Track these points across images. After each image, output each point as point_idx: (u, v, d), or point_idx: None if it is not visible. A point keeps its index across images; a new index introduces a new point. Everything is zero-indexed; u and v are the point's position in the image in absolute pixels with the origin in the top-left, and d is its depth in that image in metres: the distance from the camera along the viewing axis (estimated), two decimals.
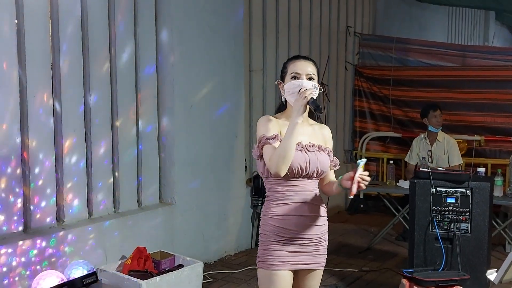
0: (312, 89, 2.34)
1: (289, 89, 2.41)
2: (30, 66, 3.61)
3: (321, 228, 2.45)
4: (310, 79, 2.41)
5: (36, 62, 3.65)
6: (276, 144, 2.34)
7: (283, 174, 2.30)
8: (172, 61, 4.51)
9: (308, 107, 2.34)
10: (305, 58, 2.49)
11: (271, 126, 2.39)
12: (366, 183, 2.27)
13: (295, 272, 2.44)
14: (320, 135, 2.51)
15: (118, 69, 4.20)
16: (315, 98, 2.35)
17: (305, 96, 2.28)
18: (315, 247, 2.44)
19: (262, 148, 2.36)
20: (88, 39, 3.97)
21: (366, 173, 2.29)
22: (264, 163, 2.37)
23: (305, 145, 2.41)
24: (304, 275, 2.46)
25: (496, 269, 1.75)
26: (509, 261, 1.65)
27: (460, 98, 6.50)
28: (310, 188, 2.43)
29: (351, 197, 2.29)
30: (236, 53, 5.07)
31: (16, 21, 3.55)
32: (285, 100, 2.46)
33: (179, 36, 4.52)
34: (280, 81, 2.49)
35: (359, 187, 2.27)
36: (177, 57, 4.52)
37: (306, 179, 2.41)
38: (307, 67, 2.43)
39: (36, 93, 3.66)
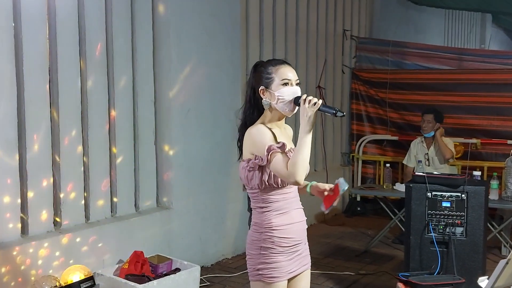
0: (311, 96, 2.31)
1: (282, 96, 2.34)
2: (27, 71, 3.63)
3: (305, 230, 2.52)
4: (297, 84, 2.39)
5: (34, 67, 3.66)
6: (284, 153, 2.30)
7: (302, 182, 2.30)
8: (170, 65, 4.52)
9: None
10: (287, 63, 2.44)
11: (271, 135, 2.34)
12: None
13: (289, 279, 2.45)
14: (291, 137, 2.53)
15: (115, 74, 4.21)
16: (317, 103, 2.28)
17: (315, 103, 2.26)
18: (304, 248, 2.50)
19: (270, 157, 2.28)
20: (86, 44, 3.99)
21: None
22: (262, 174, 2.33)
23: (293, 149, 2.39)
24: (296, 278, 2.48)
25: (487, 276, 1.76)
26: (500, 268, 1.66)
27: (456, 101, 6.54)
28: (297, 193, 2.47)
29: (326, 211, 2.37)
30: (233, 57, 5.09)
31: (13, 25, 3.56)
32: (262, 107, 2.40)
33: (176, 40, 4.54)
34: (265, 88, 2.38)
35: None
36: (174, 61, 4.54)
37: (295, 184, 2.40)
38: (294, 73, 2.40)
39: (33, 98, 3.67)
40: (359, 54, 7.39)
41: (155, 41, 4.51)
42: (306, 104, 2.27)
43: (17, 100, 3.59)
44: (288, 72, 2.38)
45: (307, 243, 2.53)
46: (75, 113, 3.96)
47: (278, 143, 2.31)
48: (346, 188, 2.31)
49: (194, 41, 4.67)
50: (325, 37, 6.86)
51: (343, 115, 2.27)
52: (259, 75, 2.41)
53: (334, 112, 2.26)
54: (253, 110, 2.44)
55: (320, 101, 2.28)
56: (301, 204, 2.50)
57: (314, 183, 2.49)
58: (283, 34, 6.14)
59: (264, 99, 2.39)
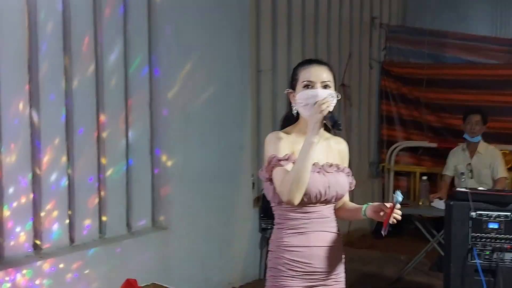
0: (329, 99, 2.36)
1: (301, 100, 2.43)
2: (3, 70, 3.69)
3: (339, 259, 2.54)
4: (325, 87, 2.44)
5: (11, 65, 3.73)
6: (289, 166, 2.37)
7: (297, 202, 2.34)
8: (168, 62, 4.59)
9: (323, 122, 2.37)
10: (319, 62, 2.52)
11: (282, 144, 2.42)
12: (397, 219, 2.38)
13: None
14: (336, 151, 2.58)
15: (105, 72, 4.28)
16: (331, 110, 2.35)
17: (321, 110, 2.31)
18: (334, 280, 2.52)
19: (272, 170, 2.39)
20: (71, 37, 4.06)
21: (399, 209, 2.38)
22: (274, 186, 2.42)
23: (323, 166, 2.45)
24: None
25: None
26: None
27: (506, 101, 6.55)
28: (327, 214, 2.50)
29: (384, 232, 2.37)
30: (241, 51, 5.16)
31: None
32: (297, 112, 2.51)
33: (176, 32, 4.61)
34: (291, 90, 2.51)
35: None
36: (173, 57, 4.61)
37: (323, 204, 2.47)
38: (321, 73, 2.45)
39: (10, 101, 3.74)
40: (389, 46, 7.43)
41: (151, 33, 4.58)
42: (313, 109, 2.34)
43: None
44: (314, 72, 2.45)
45: (340, 274, 2.55)
46: (59, 118, 4.02)
47: (285, 155, 2.38)
48: (401, 199, 2.34)
49: (196, 34, 4.73)
50: (350, 26, 6.91)
51: (339, 129, 2.33)
52: (291, 76, 2.54)
53: (332, 124, 2.32)
54: (287, 118, 2.57)
55: (330, 109, 2.32)
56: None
57: (369, 204, 2.50)
58: (300, 23, 6.19)
59: (292, 104, 2.50)
